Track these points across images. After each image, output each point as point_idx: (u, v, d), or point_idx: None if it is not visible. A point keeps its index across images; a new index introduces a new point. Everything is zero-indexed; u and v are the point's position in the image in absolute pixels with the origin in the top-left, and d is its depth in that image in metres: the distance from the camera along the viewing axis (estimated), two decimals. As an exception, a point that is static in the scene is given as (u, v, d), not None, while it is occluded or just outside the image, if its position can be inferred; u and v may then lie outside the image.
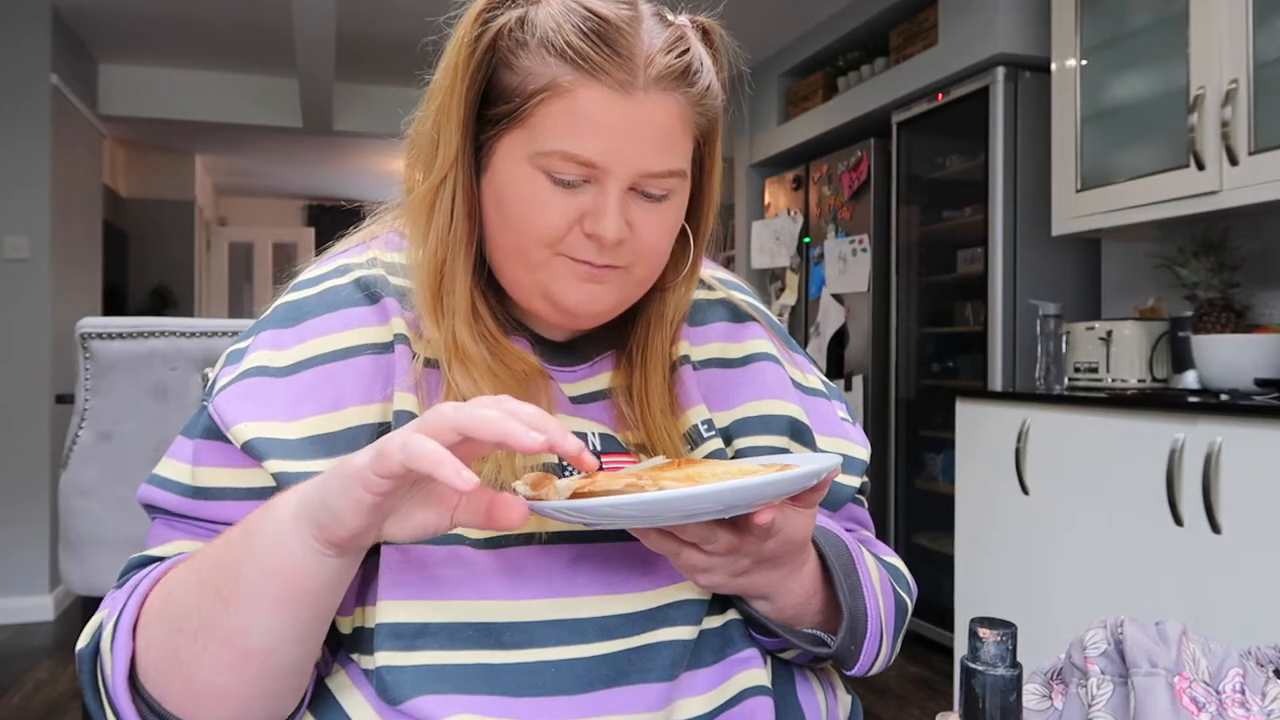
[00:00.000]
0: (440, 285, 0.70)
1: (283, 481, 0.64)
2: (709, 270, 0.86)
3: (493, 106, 0.68)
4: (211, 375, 0.74)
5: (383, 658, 0.63)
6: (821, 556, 0.72)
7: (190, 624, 0.59)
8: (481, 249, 0.72)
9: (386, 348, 0.69)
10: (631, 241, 0.68)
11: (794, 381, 0.82)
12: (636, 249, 0.69)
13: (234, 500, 0.67)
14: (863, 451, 0.82)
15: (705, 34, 0.73)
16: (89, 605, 1.53)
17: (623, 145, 0.65)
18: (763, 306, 0.87)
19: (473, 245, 0.71)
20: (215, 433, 0.67)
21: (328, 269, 0.75)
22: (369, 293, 0.72)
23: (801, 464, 0.62)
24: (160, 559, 0.68)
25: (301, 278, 0.76)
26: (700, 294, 0.83)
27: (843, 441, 0.82)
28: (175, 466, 0.69)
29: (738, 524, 0.63)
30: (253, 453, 0.65)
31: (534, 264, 0.68)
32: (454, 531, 0.65)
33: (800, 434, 0.78)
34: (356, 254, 0.76)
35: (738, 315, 0.83)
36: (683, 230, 0.75)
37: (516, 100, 0.66)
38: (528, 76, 0.66)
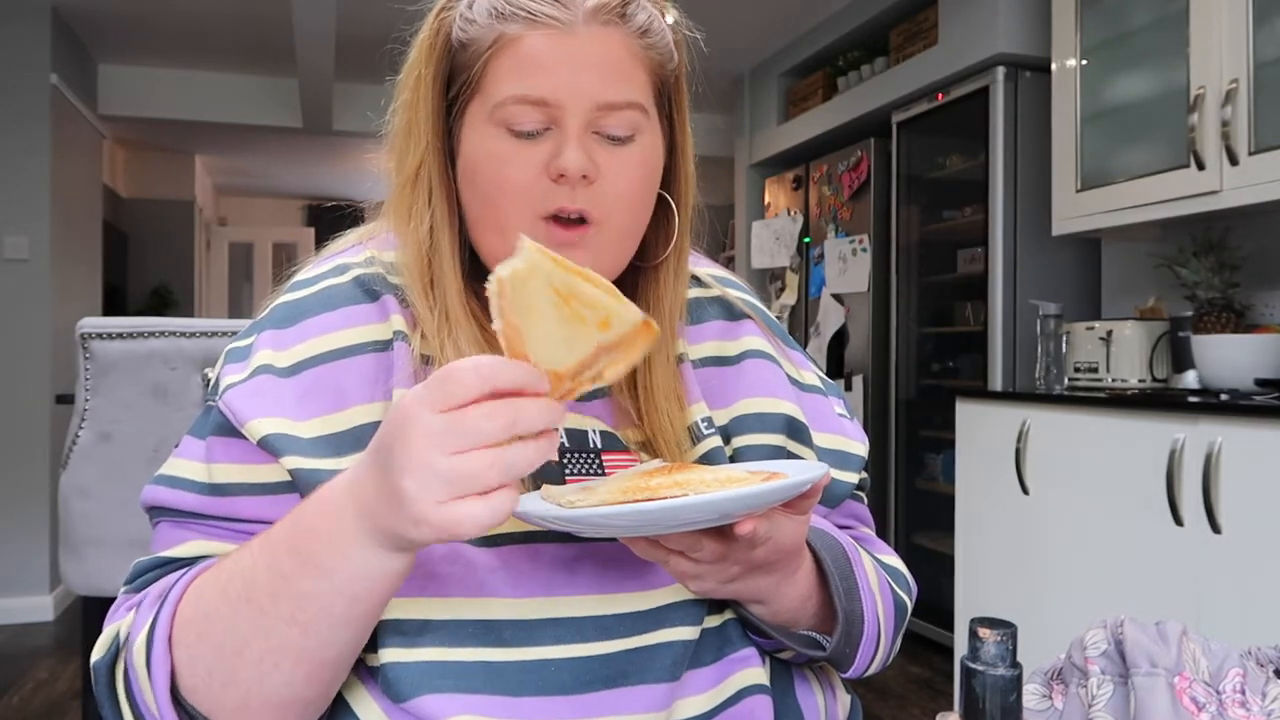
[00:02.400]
0: (430, 270, 0.71)
1: (298, 478, 0.64)
2: (706, 268, 0.86)
3: (454, 88, 0.71)
4: (212, 375, 0.74)
5: (387, 654, 0.63)
6: (817, 560, 0.72)
7: (253, 649, 0.58)
8: (472, 244, 0.73)
9: (387, 345, 0.70)
10: (601, 185, 0.68)
11: (790, 379, 0.81)
12: (607, 194, 0.69)
13: (250, 496, 0.67)
14: (860, 448, 0.82)
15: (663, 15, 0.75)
16: (89, 605, 1.53)
17: (572, 78, 0.67)
18: (759, 304, 0.87)
19: (455, 229, 0.72)
20: (228, 429, 0.67)
21: (325, 269, 0.75)
22: (368, 290, 0.72)
23: (790, 473, 0.61)
24: (174, 561, 0.67)
25: (299, 278, 0.76)
26: (696, 291, 0.83)
27: (840, 438, 0.81)
28: (187, 465, 0.68)
29: (724, 532, 0.63)
30: (269, 448, 0.65)
31: (509, 231, 0.68)
32: None
33: (797, 432, 0.78)
34: (353, 254, 0.76)
35: (733, 313, 0.83)
36: (666, 205, 0.75)
37: (471, 70, 0.69)
38: (478, 43, 0.69)
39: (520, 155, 0.68)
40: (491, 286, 0.52)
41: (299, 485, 0.64)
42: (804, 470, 0.64)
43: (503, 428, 0.50)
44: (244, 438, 0.66)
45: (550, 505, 0.61)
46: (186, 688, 0.61)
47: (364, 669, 0.66)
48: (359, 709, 0.65)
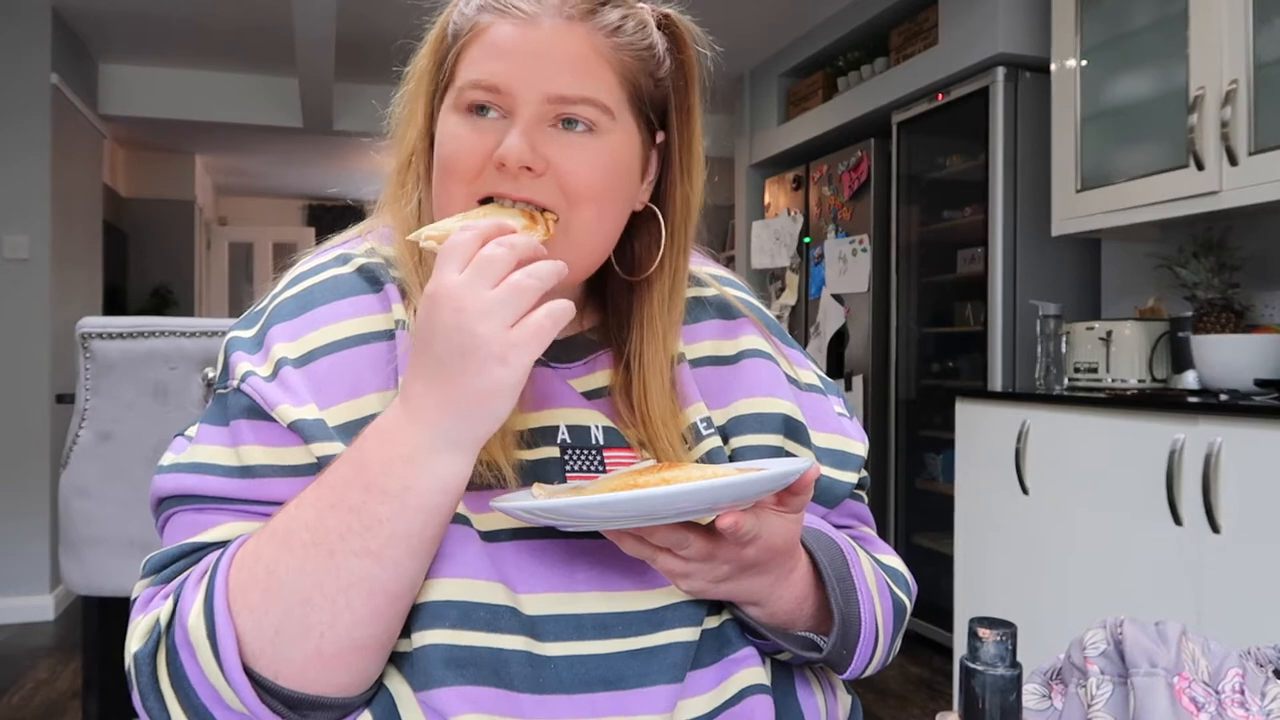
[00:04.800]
0: (419, 250, 0.71)
1: (325, 465, 0.64)
2: (705, 267, 0.86)
3: (439, 76, 0.72)
4: (212, 371, 0.74)
5: (419, 638, 0.63)
6: (813, 561, 0.72)
7: (324, 592, 0.59)
8: None
9: (390, 334, 0.70)
10: (551, 178, 0.68)
11: (788, 378, 0.81)
12: (559, 187, 0.68)
13: (280, 478, 0.66)
14: (860, 447, 0.82)
15: (668, 22, 0.74)
16: (89, 605, 1.52)
17: (526, 67, 0.67)
18: (757, 303, 0.87)
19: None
20: (257, 412, 0.67)
21: (327, 259, 0.76)
22: (371, 280, 0.73)
23: (772, 468, 0.61)
24: (206, 546, 0.66)
25: (302, 268, 0.76)
26: (694, 291, 0.82)
27: (839, 438, 0.81)
28: (210, 450, 0.68)
29: (712, 530, 0.62)
30: (300, 433, 0.65)
31: (452, 211, 0.68)
32: (461, 514, 0.66)
33: (795, 431, 0.78)
34: (354, 245, 0.77)
35: (730, 312, 0.83)
36: (658, 223, 0.75)
37: (449, 58, 0.71)
38: (460, 33, 0.70)
39: (471, 139, 0.68)
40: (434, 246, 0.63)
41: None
42: (784, 465, 0.63)
43: (508, 249, 0.59)
44: (273, 420, 0.66)
45: (533, 499, 0.60)
46: (251, 654, 0.60)
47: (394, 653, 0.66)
48: (391, 685, 0.65)
